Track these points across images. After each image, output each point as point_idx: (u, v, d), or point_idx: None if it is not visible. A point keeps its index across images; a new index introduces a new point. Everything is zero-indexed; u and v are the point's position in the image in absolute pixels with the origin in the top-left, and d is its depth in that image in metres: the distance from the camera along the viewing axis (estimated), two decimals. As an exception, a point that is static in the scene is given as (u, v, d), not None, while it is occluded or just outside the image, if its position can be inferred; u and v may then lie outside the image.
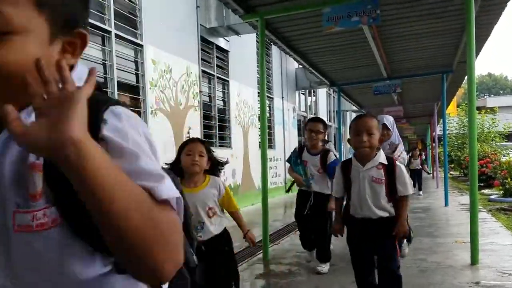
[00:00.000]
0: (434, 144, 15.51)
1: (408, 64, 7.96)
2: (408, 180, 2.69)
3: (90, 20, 5.33)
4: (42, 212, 0.65)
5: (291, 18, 5.33)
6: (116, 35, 5.85)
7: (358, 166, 2.72)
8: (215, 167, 2.75)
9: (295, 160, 4.22)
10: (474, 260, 4.14)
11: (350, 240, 2.88)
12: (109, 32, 5.73)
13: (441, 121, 12.14)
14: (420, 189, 11.19)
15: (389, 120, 4.03)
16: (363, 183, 2.67)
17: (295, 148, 4.42)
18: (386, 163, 2.68)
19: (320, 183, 4.06)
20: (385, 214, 2.68)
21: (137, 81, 6.36)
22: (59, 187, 0.64)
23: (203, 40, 8.19)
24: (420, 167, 11.76)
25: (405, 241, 3.99)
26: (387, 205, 2.67)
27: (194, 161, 2.52)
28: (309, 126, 4.09)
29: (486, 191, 11.40)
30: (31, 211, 0.65)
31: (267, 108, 11.68)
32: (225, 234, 2.72)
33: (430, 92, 11.09)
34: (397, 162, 2.76)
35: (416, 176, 11.23)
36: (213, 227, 2.62)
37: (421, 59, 7.59)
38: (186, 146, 2.59)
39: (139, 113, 6.30)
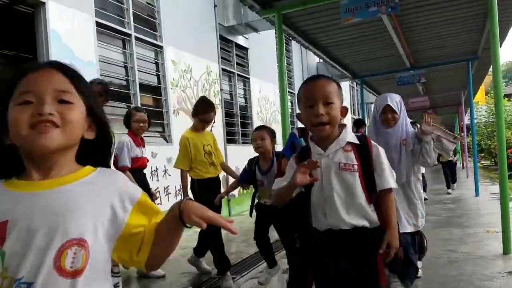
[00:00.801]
0: (462, 134, 15.14)
1: (432, 52, 7.78)
2: (389, 167, 1.86)
3: (111, 24, 5.46)
4: None
5: (309, 12, 5.29)
6: (136, 38, 5.94)
7: (318, 151, 1.85)
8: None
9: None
10: (506, 250, 4.03)
11: (305, 265, 2.04)
12: (129, 35, 5.82)
13: (469, 110, 11.81)
14: (453, 181, 9.90)
15: (394, 99, 2.95)
16: (328, 175, 1.79)
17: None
18: (357, 142, 1.84)
19: None
20: (363, 223, 1.77)
21: (158, 82, 6.44)
22: None
23: (222, 38, 8.23)
24: (453, 157, 10.00)
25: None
26: (367, 208, 1.78)
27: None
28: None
29: (518, 179, 11.06)
30: None
31: (289, 104, 11.64)
32: None
33: (456, 80, 10.81)
34: (373, 142, 1.91)
35: (448, 168, 9.79)
36: None
37: (444, 47, 7.41)
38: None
39: (161, 113, 6.39)
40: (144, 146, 4.09)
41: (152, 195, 4.20)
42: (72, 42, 4.77)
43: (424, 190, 8.73)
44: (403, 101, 2.99)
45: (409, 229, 2.83)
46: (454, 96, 13.58)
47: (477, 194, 8.39)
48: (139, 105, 5.83)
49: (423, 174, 9.15)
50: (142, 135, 4.14)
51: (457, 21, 6.03)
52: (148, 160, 4.26)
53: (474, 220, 5.97)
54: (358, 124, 9.35)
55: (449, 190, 9.44)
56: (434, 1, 5.22)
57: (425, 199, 8.41)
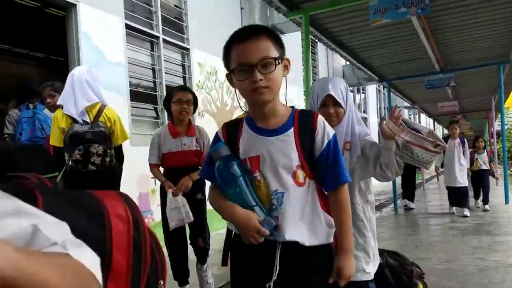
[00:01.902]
0: (492, 140, 14.71)
1: (462, 55, 7.60)
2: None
3: (139, 27, 5.55)
4: None
5: (336, 13, 5.25)
6: (164, 40, 6.02)
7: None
8: None
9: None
10: (540, 260, 3.89)
11: None
12: (157, 38, 5.91)
13: (499, 115, 11.48)
14: (485, 201, 7.60)
15: (338, 87, 1.96)
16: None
17: None
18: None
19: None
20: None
21: (185, 84, 6.51)
22: None
23: (248, 41, 8.24)
24: (488, 167, 8.06)
25: None
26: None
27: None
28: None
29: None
30: None
31: (314, 107, 11.59)
32: None
33: (486, 85, 10.53)
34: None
35: (480, 180, 7.84)
36: None
37: (475, 50, 7.23)
38: None
39: (187, 115, 6.45)
40: (193, 135, 3.21)
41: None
42: (102, 44, 4.87)
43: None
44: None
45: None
46: (484, 101, 13.24)
47: (507, 201, 8.13)
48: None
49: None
50: (192, 122, 3.34)
51: (488, 24, 5.87)
52: (196, 155, 3.23)
53: (504, 228, 5.79)
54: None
55: (486, 206, 7.53)
56: (465, 3, 5.10)
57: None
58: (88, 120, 3.03)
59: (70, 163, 2.90)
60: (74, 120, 2.98)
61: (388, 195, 10.46)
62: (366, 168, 1.95)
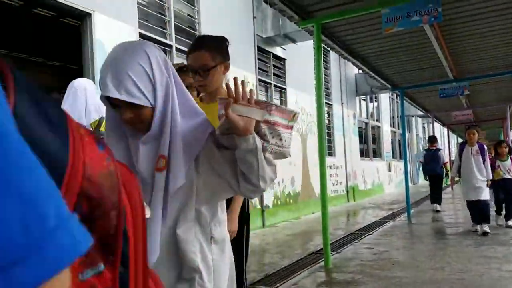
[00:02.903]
0: (507, 149, 14.50)
1: (476, 64, 7.53)
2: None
3: (153, 36, 5.62)
4: None
5: (348, 22, 5.26)
6: (177, 49, 6.09)
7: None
8: None
9: None
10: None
11: None
12: (170, 46, 5.97)
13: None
14: (508, 217, 6.68)
15: (123, 71, 1.14)
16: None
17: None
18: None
19: None
20: None
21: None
22: None
23: (260, 49, 8.30)
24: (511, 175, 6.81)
25: None
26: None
27: None
28: None
29: None
30: None
31: (326, 115, 11.56)
32: None
33: (501, 93, 10.43)
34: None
35: (503, 191, 6.89)
36: None
37: (489, 58, 7.16)
38: None
39: (199, 123, 6.49)
40: None
41: None
42: (116, 52, 4.94)
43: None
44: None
45: None
46: (499, 109, 13.07)
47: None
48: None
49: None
50: None
51: (502, 32, 5.83)
52: None
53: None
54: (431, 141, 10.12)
55: (501, 222, 6.89)
56: (478, 11, 5.07)
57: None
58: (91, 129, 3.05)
59: None
60: None
61: (401, 204, 10.35)
62: (221, 185, 1.27)
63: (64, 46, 7.24)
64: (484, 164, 6.33)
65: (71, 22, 6.33)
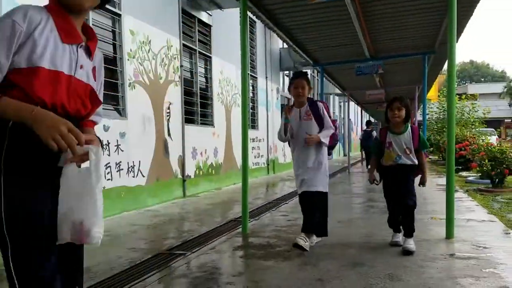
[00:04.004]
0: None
1: (391, 44, 7.92)
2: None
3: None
4: None
5: (275, -10, 5.21)
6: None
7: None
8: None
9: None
10: (449, 234, 4.21)
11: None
12: (86, 0, 5.52)
13: (422, 105, 12.21)
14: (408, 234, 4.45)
15: None
16: None
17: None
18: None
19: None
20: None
21: (114, 52, 6.18)
22: None
23: (185, 12, 8.01)
24: None
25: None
26: None
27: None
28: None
29: (464, 173, 11.62)
30: None
31: (250, 88, 11.59)
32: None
33: (411, 74, 11.12)
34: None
35: (396, 186, 4.57)
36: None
37: (403, 39, 7.56)
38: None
39: (116, 85, 6.15)
40: None
41: None
42: (25, 2, 4.46)
43: None
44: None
45: None
46: (409, 90, 14.01)
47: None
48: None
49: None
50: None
51: (417, 12, 6.13)
52: None
53: (420, 208, 6.16)
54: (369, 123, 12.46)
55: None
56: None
57: None
58: None
59: None
60: None
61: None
62: None
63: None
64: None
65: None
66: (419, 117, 15.63)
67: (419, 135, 3.89)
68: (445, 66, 10.40)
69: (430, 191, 8.06)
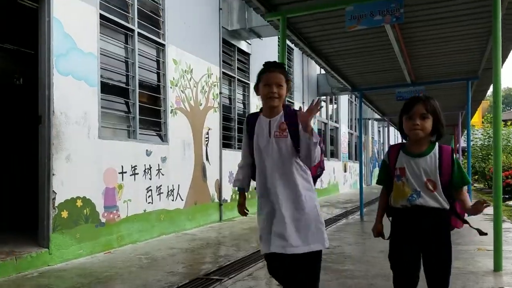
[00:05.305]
0: (458, 155, 15.19)
1: (433, 69, 7.81)
2: None
3: (114, 18, 5.44)
4: None
5: (314, 18, 5.30)
6: (139, 34, 5.93)
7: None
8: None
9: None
10: (497, 267, 4.00)
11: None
12: (132, 31, 5.81)
13: (466, 131, 11.83)
14: None
15: None
16: None
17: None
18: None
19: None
20: None
21: (158, 80, 6.42)
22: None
23: (225, 42, 8.24)
24: None
25: None
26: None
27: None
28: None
29: (511, 202, 11.07)
30: None
31: (288, 113, 11.64)
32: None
33: (454, 100, 10.86)
34: None
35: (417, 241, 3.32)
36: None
37: (446, 64, 7.44)
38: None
39: (158, 112, 6.36)
40: None
41: None
42: (74, 32, 4.75)
43: None
44: None
45: None
46: (452, 116, 13.64)
47: (469, 214, 8.35)
48: (137, 102, 5.81)
49: None
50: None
51: (460, 39, 6.05)
52: None
53: (466, 238, 5.93)
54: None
55: None
56: (440, 15, 5.22)
57: None
58: None
59: None
60: None
61: (355, 203, 10.60)
62: None
63: (20, 29, 6.87)
64: None
65: (28, 4, 6.01)
66: (463, 143, 15.14)
67: (453, 161, 2.29)
68: (489, 92, 10.13)
69: (476, 220, 7.72)
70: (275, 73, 2.39)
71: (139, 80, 5.89)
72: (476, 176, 19.21)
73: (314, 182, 2.58)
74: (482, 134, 23.17)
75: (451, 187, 2.29)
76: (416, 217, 2.27)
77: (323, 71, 12.20)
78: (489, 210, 8.32)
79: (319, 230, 2.38)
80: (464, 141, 14.22)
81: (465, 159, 16.45)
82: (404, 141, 2.54)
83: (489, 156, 18.98)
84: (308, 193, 2.43)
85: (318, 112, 2.35)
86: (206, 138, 7.50)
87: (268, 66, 2.43)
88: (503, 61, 6.15)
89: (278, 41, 9.33)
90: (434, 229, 2.26)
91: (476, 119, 23.67)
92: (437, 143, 2.36)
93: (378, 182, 2.51)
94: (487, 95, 12.09)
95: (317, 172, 2.64)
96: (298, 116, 2.28)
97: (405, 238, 2.29)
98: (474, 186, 18.32)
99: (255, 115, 2.55)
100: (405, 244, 2.29)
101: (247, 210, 2.71)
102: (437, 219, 2.27)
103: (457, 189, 2.31)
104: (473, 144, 22.40)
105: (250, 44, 9.20)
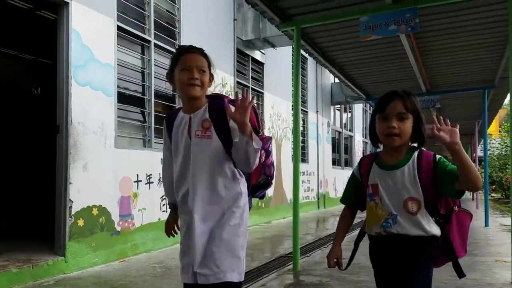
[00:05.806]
0: (475, 165, 14.96)
1: (448, 78, 7.74)
2: None
3: (131, 29, 5.53)
4: None
5: (328, 28, 5.32)
6: (155, 45, 6.01)
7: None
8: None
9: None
10: (516, 280, 3.93)
11: None
12: (148, 42, 5.89)
13: (482, 140, 11.65)
14: None
15: None
16: None
17: None
18: None
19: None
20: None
21: (174, 90, 6.48)
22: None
23: (239, 52, 8.30)
24: None
25: None
26: None
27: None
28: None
29: (530, 214, 10.84)
30: None
31: (301, 122, 11.65)
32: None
33: (471, 109, 10.73)
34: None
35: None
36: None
37: (461, 73, 7.37)
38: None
39: (174, 121, 6.41)
40: None
41: None
42: (92, 43, 4.84)
43: None
44: None
45: None
46: (468, 125, 13.46)
47: (486, 224, 8.23)
48: (153, 111, 5.87)
49: None
50: None
51: (475, 48, 6.00)
52: None
53: (483, 249, 5.83)
54: None
55: None
56: (455, 25, 5.19)
57: None
58: None
59: None
60: None
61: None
62: None
63: (38, 39, 7.02)
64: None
65: (47, 15, 6.16)
66: (479, 152, 14.92)
67: (436, 163, 1.74)
68: (506, 101, 10.00)
69: (494, 231, 7.59)
70: (196, 54, 1.96)
71: (154, 90, 5.96)
72: (494, 186, 18.89)
73: (256, 192, 2.11)
74: (499, 143, 22.81)
75: (448, 200, 1.79)
76: (392, 247, 1.79)
77: (337, 80, 12.20)
78: (507, 220, 8.19)
79: (242, 253, 1.95)
80: (481, 150, 14.01)
81: (481, 168, 16.23)
82: (377, 149, 2.08)
83: (507, 166, 18.68)
84: (240, 199, 1.96)
85: (251, 105, 1.73)
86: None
87: (187, 47, 1.99)
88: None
89: (292, 51, 9.35)
90: (411, 258, 1.74)
91: (493, 128, 23.33)
92: (417, 150, 1.80)
93: (341, 200, 2.03)
94: (504, 104, 11.90)
95: (259, 180, 2.07)
96: (228, 113, 1.77)
97: (380, 264, 1.89)
98: (492, 196, 18.00)
99: (176, 111, 2.04)
100: (380, 270, 1.90)
101: (176, 232, 2.24)
102: (418, 250, 1.73)
103: (455, 198, 1.76)
104: (490, 154, 22.06)
105: (264, 54, 9.26)
